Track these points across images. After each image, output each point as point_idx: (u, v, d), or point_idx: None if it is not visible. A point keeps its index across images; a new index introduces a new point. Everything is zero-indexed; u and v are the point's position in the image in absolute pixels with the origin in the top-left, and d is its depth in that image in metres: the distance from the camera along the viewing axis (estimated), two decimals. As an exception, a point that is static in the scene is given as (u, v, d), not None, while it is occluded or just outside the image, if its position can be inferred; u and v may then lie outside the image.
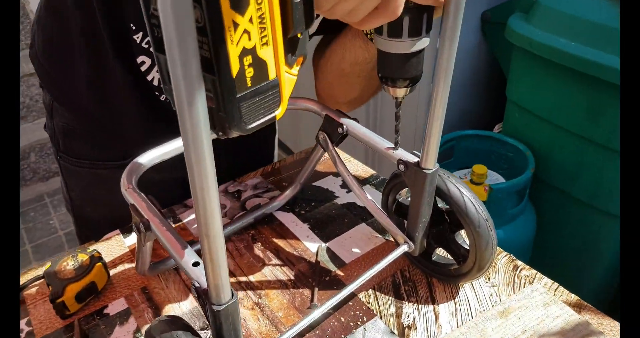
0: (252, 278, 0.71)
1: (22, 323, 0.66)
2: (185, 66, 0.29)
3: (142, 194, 0.55)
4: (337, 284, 0.69)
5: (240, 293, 0.68)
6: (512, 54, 1.43)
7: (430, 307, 0.65)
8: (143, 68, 0.73)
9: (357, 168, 0.94)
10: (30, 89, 2.33)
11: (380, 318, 0.64)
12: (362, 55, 0.69)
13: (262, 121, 0.39)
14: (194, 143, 0.32)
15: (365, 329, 0.62)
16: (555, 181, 1.44)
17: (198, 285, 0.45)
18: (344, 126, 0.67)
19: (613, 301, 1.49)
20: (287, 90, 0.40)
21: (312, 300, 0.66)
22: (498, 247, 0.71)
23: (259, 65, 0.36)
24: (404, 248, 0.64)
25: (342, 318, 0.64)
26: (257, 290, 0.69)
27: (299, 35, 0.39)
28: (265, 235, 0.78)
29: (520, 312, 0.64)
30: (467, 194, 0.59)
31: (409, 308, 0.65)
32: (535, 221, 1.47)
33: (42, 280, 0.70)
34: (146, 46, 0.70)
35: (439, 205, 0.65)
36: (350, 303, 0.66)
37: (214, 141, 0.35)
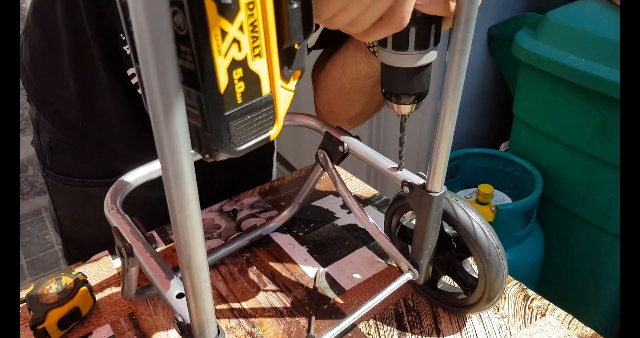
0: (246, 304, 0.66)
1: (-2, 351, 0.61)
2: (160, 77, 0.25)
3: (127, 216, 0.51)
4: (336, 313, 0.65)
5: (232, 321, 0.64)
6: (519, 71, 1.39)
7: (436, 339, 0.61)
8: (134, 81, 0.69)
9: (358, 187, 0.90)
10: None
11: (382, 351, 0.60)
12: (364, 69, 0.65)
13: (254, 142, 0.34)
14: (172, 165, 0.28)
15: (365, 363, 0.58)
16: (564, 202, 1.40)
17: (181, 320, 0.41)
18: (345, 145, 0.63)
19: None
20: (282, 107, 0.36)
21: (308, 330, 0.62)
22: (508, 274, 0.67)
23: (251, 79, 0.32)
24: (407, 277, 0.60)
25: (341, 351, 0.60)
26: (251, 318, 0.64)
27: (296, 46, 0.35)
28: (260, 258, 0.74)
29: (532, 346, 0.59)
30: (476, 220, 0.55)
31: (412, 340, 0.61)
32: (543, 244, 1.42)
33: (24, 304, 0.66)
34: None
35: (446, 230, 0.61)
36: (349, 334, 0.62)
37: None
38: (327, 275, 0.70)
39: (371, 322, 0.63)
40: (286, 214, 0.79)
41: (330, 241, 0.77)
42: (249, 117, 0.33)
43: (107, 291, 0.69)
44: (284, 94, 0.36)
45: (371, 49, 0.63)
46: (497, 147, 1.61)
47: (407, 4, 0.38)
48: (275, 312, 0.65)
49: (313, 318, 0.64)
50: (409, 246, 0.61)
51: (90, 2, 0.66)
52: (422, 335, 0.61)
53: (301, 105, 1.13)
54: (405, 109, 0.50)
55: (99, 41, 0.67)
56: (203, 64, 0.29)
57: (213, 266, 0.72)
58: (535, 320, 0.63)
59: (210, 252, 0.73)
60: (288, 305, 0.66)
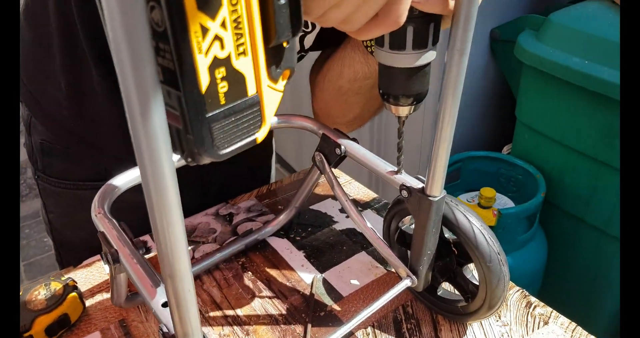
0: (240, 311, 0.65)
1: (-15, 359, 0.60)
2: (137, 75, 0.24)
3: (114, 220, 0.50)
4: (333, 320, 0.63)
5: (226, 329, 0.62)
6: (521, 73, 1.38)
7: (435, 348, 0.59)
8: None
9: (358, 190, 0.88)
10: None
11: (379, 360, 0.58)
12: (361, 70, 0.64)
13: (238, 145, 0.32)
14: (152, 169, 0.27)
15: (362, 373, 0.56)
16: (568, 206, 1.38)
17: (166, 330, 0.39)
18: (342, 147, 0.61)
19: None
20: (269, 108, 0.34)
21: (304, 338, 0.60)
22: (510, 281, 0.65)
23: (235, 79, 0.30)
24: (406, 283, 0.58)
25: (337, 360, 0.58)
26: (245, 326, 0.63)
27: (284, 44, 0.33)
28: (256, 263, 0.72)
29: (535, 356, 0.57)
30: (477, 225, 0.53)
31: (411, 349, 0.59)
32: (546, 248, 1.40)
33: (12, 310, 0.65)
34: None
35: (446, 235, 0.59)
36: (346, 342, 0.60)
37: None
38: (325, 281, 0.69)
39: (369, 329, 0.61)
40: (283, 218, 0.77)
41: (328, 246, 0.75)
42: (233, 119, 0.31)
43: (98, 297, 0.68)
44: (271, 95, 0.33)
45: (369, 48, 0.61)
46: (500, 150, 1.59)
47: (404, 1, 0.36)
48: (270, 319, 0.63)
49: (309, 325, 0.62)
50: (409, 252, 0.60)
51: (83, 1, 0.65)
52: (421, 344, 0.59)
53: (302, 107, 1.12)
54: (404, 110, 0.48)
55: (91, 41, 0.66)
56: (182, 63, 0.27)
57: (207, 272, 0.71)
58: (538, 328, 0.61)
59: (204, 257, 0.71)
60: (284, 312, 0.64)
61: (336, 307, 0.65)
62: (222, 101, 0.30)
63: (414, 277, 0.58)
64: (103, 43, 0.65)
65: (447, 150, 0.48)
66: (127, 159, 0.57)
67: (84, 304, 0.65)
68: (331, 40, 0.68)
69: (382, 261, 0.72)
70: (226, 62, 0.29)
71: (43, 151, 0.77)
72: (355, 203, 0.85)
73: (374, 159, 0.59)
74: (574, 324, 0.61)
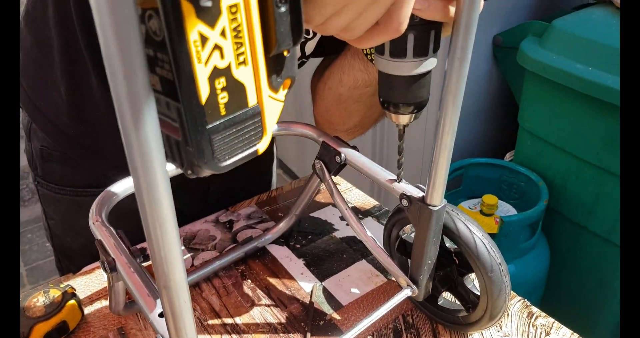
0: (239, 320, 0.64)
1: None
2: (128, 79, 0.23)
3: (111, 228, 0.49)
4: (332, 329, 0.62)
5: (225, 338, 0.62)
6: (524, 79, 1.37)
7: (436, 358, 0.58)
8: None
9: (358, 198, 0.87)
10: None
11: (379, 371, 0.57)
12: (361, 78, 0.63)
13: (240, 156, 0.32)
14: (145, 178, 0.26)
15: (361, 384, 0.56)
16: (571, 213, 1.37)
17: (162, 341, 0.39)
18: (342, 155, 0.61)
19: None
20: (271, 119, 0.33)
21: (303, 348, 0.60)
22: (511, 291, 0.65)
23: (235, 89, 0.30)
24: (406, 293, 0.57)
25: (336, 370, 0.57)
26: (244, 334, 0.62)
27: (285, 53, 0.32)
28: (256, 271, 0.72)
29: (536, 367, 0.57)
30: (478, 234, 0.53)
31: (411, 359, 0.58)
32: (548, 256, 1.39)
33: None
34: None
35: (447, 244, 0.58)
36: (345, 352, 0.59)
37: None
38: (324, 290, 0.68)
39: (368, 339, 0.61)
40: (283, 225, 0.76)
41: (328, 253, 0.74)
42: (233, 130, 0.31)
43: (97, 305, 0.67)
44: (272, 105, 0.33)
45: (368, 56, 0.61)
46: (502, 157, 1.58)
47: (405, 9, 0.36)
48: (269, 328, 0.63)
49: (308, 334, 0.61)
50: (409, 261, 0.59)
51: (83, 7, 0.64)
52: (421, 354, 0.59)
53: (304, 113, 1.12)
54: (404, 119, 0.48)
55: (91, 48, 0.66)
56: (181, 73, 0.27)
57: (206, 280, 0.70)
58: (540, 339, 0.60)
59: (204, 265, 0.71)
60: (283, 320, 0.64)
61: (336, 316, 0.64)
62: (223, 112, 0.29)
63: (414, 287, 0.57)
64: None
65: (447, 159, 0.47)
66: (126, 166, 0.57)
67: (82, 312, 0.64)
68: (332, 47, 0.68)
69: (383, 269, 0.71)
70: (226, 72, 0.29)
71: (43, 157, 0.77)
72: (356, 210, 0.84)
73: (374, 167, 0.59)
74: (575, 335, 0.60)
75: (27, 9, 0.71)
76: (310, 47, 0.69)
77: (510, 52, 1.43)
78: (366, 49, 0.61)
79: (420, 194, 0.52)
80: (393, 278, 0.69)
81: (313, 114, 0.78)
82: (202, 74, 0.27)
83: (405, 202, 0.54)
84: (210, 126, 0.29)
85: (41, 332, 0.60)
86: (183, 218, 0.81)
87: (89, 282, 0.71)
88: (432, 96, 0.47)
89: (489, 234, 1.30)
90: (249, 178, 0.92)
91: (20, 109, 0.79)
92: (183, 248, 0.76)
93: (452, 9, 0.39)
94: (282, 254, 0.75)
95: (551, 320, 0.62)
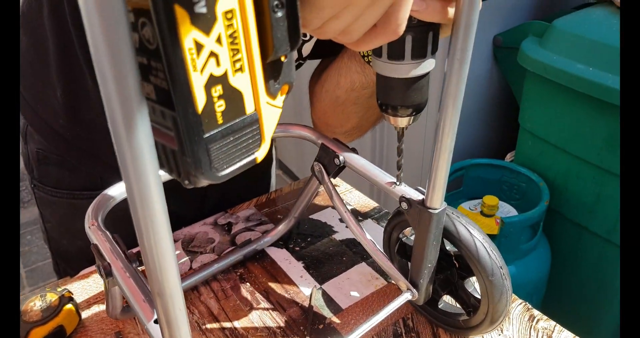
0: (238, 324, 0.63)
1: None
2: (119, 86, 0.22)
3: (107, 233, 0.49)
4: (332, 333, 0.62)
5: (223, 342, 0.61)
6: (525, 80, 1.36)
7: (436, 363, 0.58)
8: None
9: (358, 200, 0.87)
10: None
11: (379, 375, 0.56)
12: (358, 80, 0.63)
13: (238, 165, 0.31)
14: (137, 186, 0.26)
15: (361, 389, 0.55)
16: (572, 214, 1.36)
17: (158, 348, 0.38)
18: (341, 157, 0.60)
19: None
20: (269, 126, 0.33)
21: (302, 352, 0.59)
22: (512, 294, 0.64)
23: (232, 96, 0.29)
24: (406, 297, 0.57)
25: (336, 375, 0.57)
26: (242, 339, 0.61)
27: (282, 58, 0.32)
28: (255, 274, 0.71)
29: (538, 371, 0.56)
30: (478, 238, 0.52)
31: (411, 364, 0.58)
32: (549, 257, 1.39)
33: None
34: None
35: (447, 248, 0.58)
36: (345, 357, 0.58)
37: None
38: (324, 293, 0.68)
39: (368, 343, 0.60)
40: (282, 228, 0.76)
41: (327, 256, 0.74)
42: (231, 138, 0.30)
43: (94, 309, 0.67)
44: (270, 112, 0.32)
45: (365, 58, 0.60)
46: (503, 157, 1.58)
47: (403, 11, 0.35)
48: (268, 332, 0.62)
49: (307, 339, 0.61)
50: (409, 264, 0.58)
51: (78, 10, 0.64)
52: (421, 359, 0.58)
53: (302, 114, 1.11)
54: (403, 121, 0.47)
55: (86, 49, 0.65)
56: (175, 82, 0.26)
57: (205, 283, 0.70)
58: (542, 342, 0.59)
59: (202, 267, 0.70)
60: (282, 324, 0.63)
61: (335, 320, 0.63)
62: (220, 121, 0.29)
63: (414, 290, 0.57)
64: None
65: (447, 161, 0.47)
66: None
67: (79, 316, 0.64)
68: (329, 49, 0.67)
69: (383, 272, 0.71)
70: (223, 79, 0.28)
71: (39, 159, 0.77)
72: (356, 212, 0.83)
73: (374, 169, 0.58)
74: (578, 338, 0.60)
75: (22, 10, 0.71)
76: (307, 49, 0.69)
77: (510, 52, 1.43)
78: (363, 51, 0.60)
79: (420, 197, 0.52)
80: (393, 281, 0.69)
81: (311, 116, 0.78)
82: (197, 82, 0.27)
83: (404, 205, 0.53)
84: (207, 135, 0.28)
85: (38, 336, 0.59)
86: (181, 220, 0.80)
87: (87, 286, 0.70)
88: (432, 97, 0.46)
89: (490, 235, 1.29)
90: (248, 180, 0.91)
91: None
92: (180, 251, 0.76)
93: (451, 10, 0.38)
94: (281, 257, 0.74)
95: (552, 323, 0.62)
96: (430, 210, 0.50)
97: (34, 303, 0.62)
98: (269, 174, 0.98)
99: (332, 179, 0.63)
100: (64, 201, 0.78)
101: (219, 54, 0.27)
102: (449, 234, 0.53)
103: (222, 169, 0.30)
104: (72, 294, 0.63)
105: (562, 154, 1.32)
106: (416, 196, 0.52)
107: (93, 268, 0.73)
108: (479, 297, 0.55)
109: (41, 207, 0.82)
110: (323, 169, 0.63)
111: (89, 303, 0.68)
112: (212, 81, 0.27)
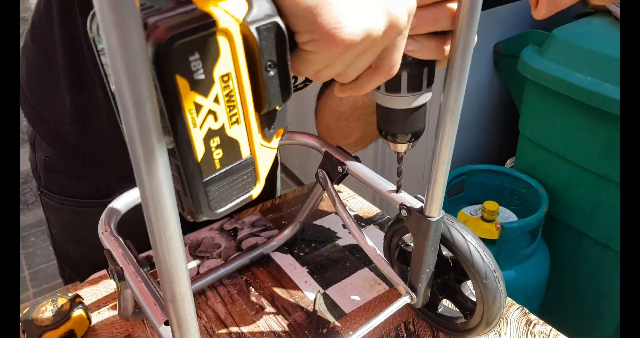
0: (244, 328, 0.65)
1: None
2: (142, 130, 0.25)
3: (120, 238, 0.51)
4: (336, 337, 0.64)
5: (229, 345, 0.63)
6: (525, 88, 1.38)
7: (435, 365, 0.60)
8: None
9: (361, 205, 0.89)
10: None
11: (380, 377, 0.58)
12: (361, 99, 0.65)
13: (234, 203, 0.34)
14: (151, 195, 0.28)
15: (362, 390, 0.57)
16: (571, 220, 1.38)
17: (170, 349, 0.40)
18: (344, 165, 0.63)
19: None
20: (264, 166, 0.35)
21: (305, 354, 0.61)
22: (510, 299, 0.66)
23: (229, 145, 0.32)
24: (405, 300, 0.59)
25: (338, 377, 0.59)
26: (248, 341, 0.63)
27: (276, 107, 0.34)
28: (260, 279, 0.73)
29: (533, 373, 0.58)
30: (472, 243, 0.54)
31: (411, 366, 0.60)
32: (548, 262, 1.40)
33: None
34: None
35: (444, 253, 0.60)
36: (347, 359, 0.60)
37: None
38: (327, 298, 0.70)
39: (370, 346, 0.62)
40: (287, 233, 0.78)
41: (331, 262, 0.76)
42: (228, 180, 0.33)
43: (104, 312, 0.69)
44: (265, 153, 0.35)
45: None
46: (503, 163, 1.59)
47: (395, 54, 0.36)
48: (274, 336, 0.64)
49: (311, 341, 0.63)
50: (409, 269, 0.60)
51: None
52: (421, 361, 0.60)
53: (306, 125, 1.13)
54: (402, 147, 0.50)
55: (96, 62, 0.67)
56: (178, 137, 0.29)
57: (212, 287, 0.72)
58: (537, 346, 0.61)
59: (209, 272, 0.72)
60: (287, 328, 0.65)
61: (338, 324, 0.65)
62: (217, 166, 0.32)
63: (412, 294, 0.59)
64: None
65: (445, 172, 0.49)
66: (130, 178, 0.58)
67: (90, 320, 0.66)
68: None
69: (385, 277, 0.72)
70: (220, 132, 0.31)
71: (46, 167, 0.79)
72: (358, 218, 0.86)
73: (375, 177, 0.60)
74: (573, 342, 0.62)
75: (32, 21, 0.73)
76: None
77: (511, 60, 1.45)
78: None
79: (419, 205, 0.54)
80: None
81: (316, 127, 0.80)
82: (197, 136, 0.30)
83: (404, 212, 0.55)
84: (206, 179, 0.31)
85: (49, 340, 0.61)
86: (187, 226, 0.83)
87: (96, 291, 0.72)
88: (433, 101, 0.48)
89: (490, 240, 1.30)
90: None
91: (25, 120, 0.81)
92: (188, 256, 0.78)
93: (447, 48, 0.40)
94: (286, 262, 0.76)
95: (549, 327, 0.64)
96: (429, 218, 0.52)
97: (45, 308, 0.64)
98: (274, 179, 1.00)
99: (335, 186, 0.65)
100: (68, 208, 0.80)
101: (217, 112, 0.30)
102: (444, 239, 0.55)
103: (219, 207, 0.33)
104: (82, 299, 0.65)
105: (562, 161, 1.33)
106: (415, 204, 0.54)
107: (102, 273, 0.75)
108: (475, 300, 0.57)
109: (47, 213, 0.85)
110: (327, 176, 0.65)
111: (98, 307, 0.70)
112: (211, 133, 0.30)
